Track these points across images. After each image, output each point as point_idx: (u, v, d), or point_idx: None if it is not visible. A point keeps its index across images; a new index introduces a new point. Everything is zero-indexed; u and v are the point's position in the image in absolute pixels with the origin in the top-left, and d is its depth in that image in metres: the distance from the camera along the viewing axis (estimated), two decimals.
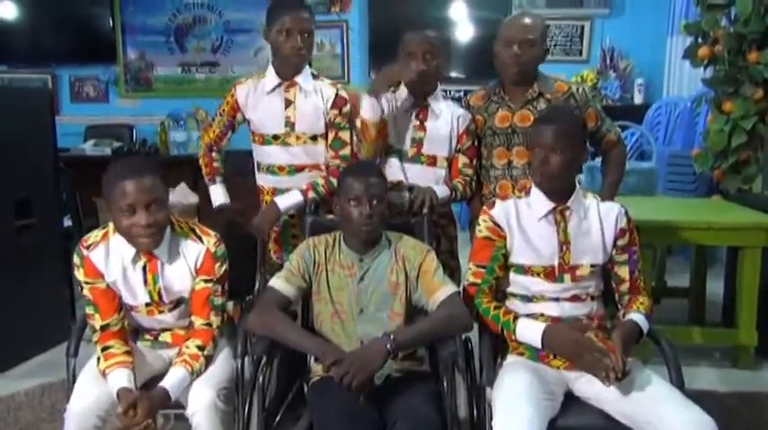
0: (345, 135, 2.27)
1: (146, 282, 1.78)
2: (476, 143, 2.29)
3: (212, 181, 2.41)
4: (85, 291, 1.77)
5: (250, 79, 2.32)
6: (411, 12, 5.64)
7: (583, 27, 5.63)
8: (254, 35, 5.87)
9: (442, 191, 2.20)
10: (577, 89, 2.24)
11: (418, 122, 2.26)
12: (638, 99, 5.44)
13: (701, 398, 1.63)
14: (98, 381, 1.70)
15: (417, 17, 5.57)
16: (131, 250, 1.74)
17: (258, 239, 2.28)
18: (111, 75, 6.12)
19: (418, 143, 2.25)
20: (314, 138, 2.27)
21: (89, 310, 1.78)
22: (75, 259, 1.77)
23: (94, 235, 1.79)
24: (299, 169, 2.29)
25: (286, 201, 2.22)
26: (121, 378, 1.68)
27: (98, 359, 1.74)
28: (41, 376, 2.71)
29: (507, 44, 2.15)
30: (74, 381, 1.77)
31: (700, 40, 3.73)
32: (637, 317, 1.75)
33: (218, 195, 2.40)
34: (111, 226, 1.76)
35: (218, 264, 1.80)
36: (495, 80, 2.30)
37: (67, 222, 3.52)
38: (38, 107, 3.11)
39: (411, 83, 2.20)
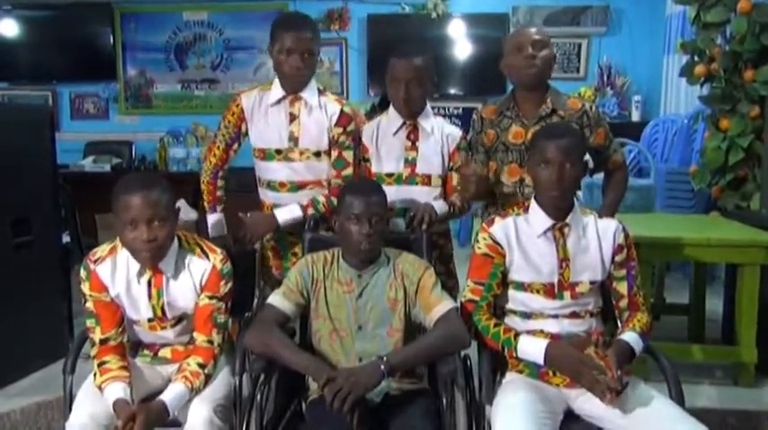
0: (349, 155, 2.22)
1: (150, 296, 1.78)
2: None
3: (213, 209, 2.34)
4: (89, 304, 1.78)
5: (255, 90, 2.26)
6: (409, 30, 5.69)
7: (580, 45, 5.69)
8: (254, 52, 5.93)
9: (440, 206, 2.18)
10: (590, 107, 2.20)
11: (410, 143, 2.24)
12: (635, 116, 5.48)
13: (702, 416, 1.61)
14: (96, 397, 1.69)
15: (416, 35, 5.61)
16: (137, 264, 1.76)
17: (247, 247, 2.22)
18: (112, 91, 6.16)
19: (411, 164, 2.23)
20: (317, 154, 2.22)
21: (90, 323, 1.78)
22: (82, 273, 1.78)
23: (101, 249, 1.81)
24: (301, 186, 2.24)
25: (285, 216, 2.19)
26: (117, 390, 1.67)
27: (94, 375, 1.74)
28: (38, 394, 2.68)
29: (519, 49, 2.12)
30: (71, 399, 1.76)
31: (696, 58, 3.76)
32: (629, 336, 1.73)
33: (216, 226, 2.34)
34: (118, 240, 1.78)
35: (223, 282, 1.81)
36: (498, 95, 2.27)
37: (66, 239, 3.51)
38: (38, 124, 3.11)
39: (397, 106, 2.21)
